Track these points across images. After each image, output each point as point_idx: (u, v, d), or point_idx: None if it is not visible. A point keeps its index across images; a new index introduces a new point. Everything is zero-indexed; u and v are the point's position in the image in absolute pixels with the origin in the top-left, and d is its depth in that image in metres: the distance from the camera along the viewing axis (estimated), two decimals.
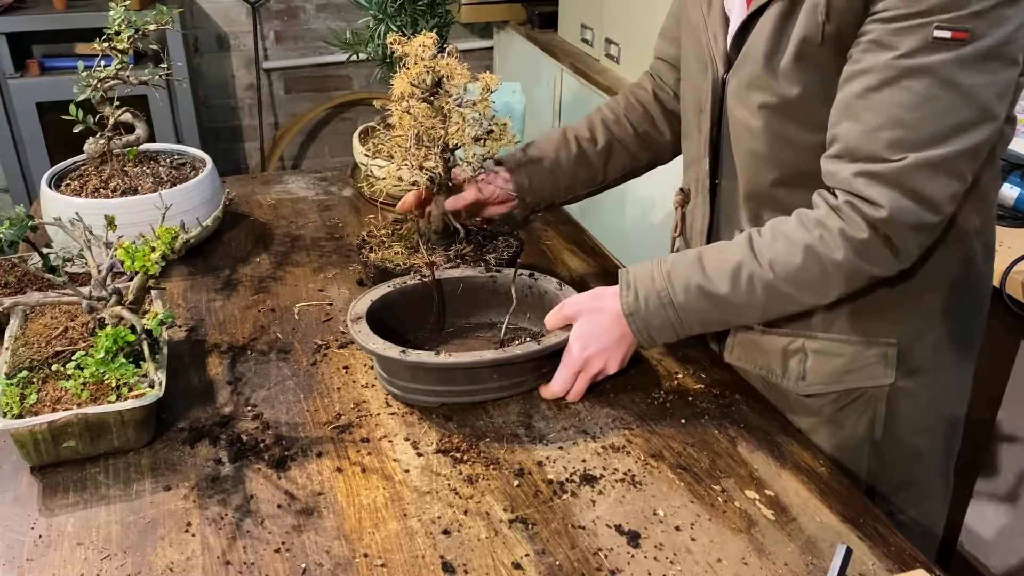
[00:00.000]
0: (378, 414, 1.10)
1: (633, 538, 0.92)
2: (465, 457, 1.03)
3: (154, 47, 1.46)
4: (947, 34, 0.87)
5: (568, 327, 1.12)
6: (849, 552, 0.82)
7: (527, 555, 0.90)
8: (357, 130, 1.76)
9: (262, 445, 1.04)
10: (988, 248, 1.13)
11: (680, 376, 1.20)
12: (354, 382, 1.16)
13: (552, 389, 1.12)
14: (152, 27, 1.40)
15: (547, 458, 1.03)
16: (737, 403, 1.15)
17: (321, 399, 1.13)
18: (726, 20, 1.10)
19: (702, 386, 1.18)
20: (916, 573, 0.87)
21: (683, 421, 1.11)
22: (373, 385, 1.16)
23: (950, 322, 1.11)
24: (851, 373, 1.11)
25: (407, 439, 1.06)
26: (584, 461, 1.03)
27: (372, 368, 1.18)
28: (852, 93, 0.94)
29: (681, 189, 1.28)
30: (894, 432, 1.14)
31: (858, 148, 0.94)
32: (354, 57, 1.72)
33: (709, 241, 1.21)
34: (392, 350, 1.07)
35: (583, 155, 1.35)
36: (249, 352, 1.22)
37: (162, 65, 1.45)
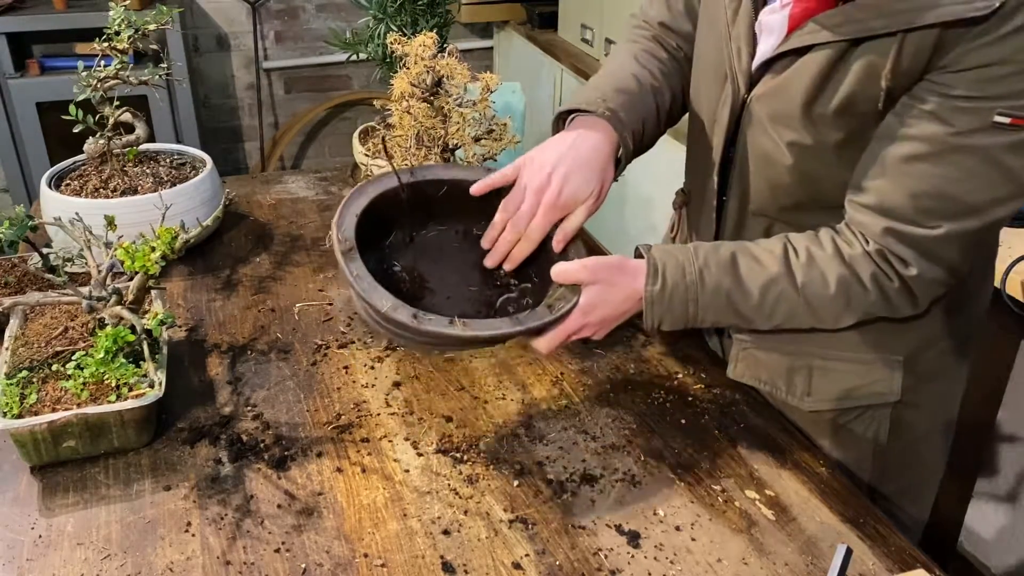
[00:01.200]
0: (378, 414, 1.10)
1: (633, 538, 0.92)
2: (465, 457, 1.03)
3: (154, 47, 1.46)
4: (1006, 120, 0.87)
5: (574, 286, 1.02)
6: (849, 552, 0.82)
7: (527, 555, 0.90)
8: (357, 130, 1.76)
9: (262, 445, 1.04)
10: (990, 259, 1.15)
11: (680, 376, 1.20)
12: (354, 382, 1.16)
13: (538, 347, 1.02)
14: (152, 27, 1.40)
15: (547, 458, 1.03)
16: (737, 403, 1.15)
17: (321, 399, 1.13)
18: (754, 37, 1.03)
19: (702, 386, 1.18)
20: (916, 573, 0.87)
21: (683, 421, 1.11)
22: (373, 385, 1.16)
23: (953, 332, 1.12)
24: (857, 389, 1.11)
25: (407, 439, 1.06)
26: (584, 461, 1.03)
27: (372, 368, 1.18)
28: (896, 155, 0.93)
29: (683, 191, 1.26)
30: (898, 441, 1.14)
31: (893, 207, 0.94)
32: (354, 57, 1.72)
33: None
34: (403, 311, 0.92)
35: (656, 105, 1.19)
36: (249, 352, 1.22)
37: (162, 65, 1.45)
